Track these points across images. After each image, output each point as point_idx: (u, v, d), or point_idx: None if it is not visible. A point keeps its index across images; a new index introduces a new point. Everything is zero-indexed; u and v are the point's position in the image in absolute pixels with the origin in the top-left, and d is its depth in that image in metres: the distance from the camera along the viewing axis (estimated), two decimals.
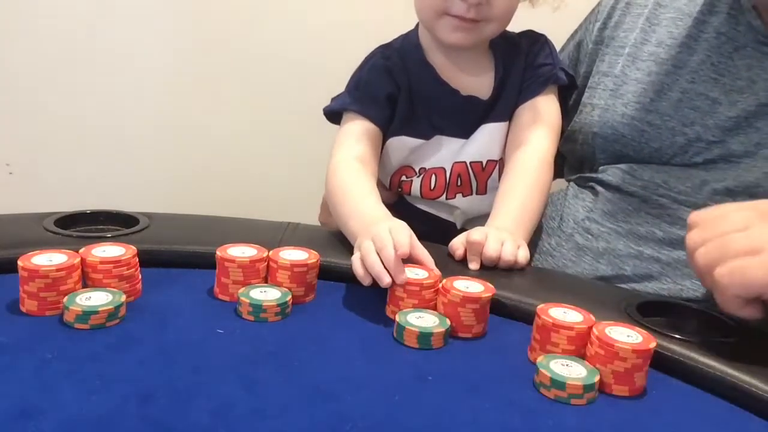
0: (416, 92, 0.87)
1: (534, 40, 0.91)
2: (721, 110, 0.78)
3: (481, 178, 0.89)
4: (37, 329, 0.53)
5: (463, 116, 0.88)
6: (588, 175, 0.89)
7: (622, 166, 0.84)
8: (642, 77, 0.85)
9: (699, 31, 0.82)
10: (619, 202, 0.83)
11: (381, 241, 0.63)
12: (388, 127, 0.87)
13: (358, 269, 0.63)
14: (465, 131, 0.88)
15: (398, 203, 0.92)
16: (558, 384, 0.50)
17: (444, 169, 0.88)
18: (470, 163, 0.88)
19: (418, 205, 0.92)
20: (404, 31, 0.91)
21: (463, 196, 0.89)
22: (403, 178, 0.90)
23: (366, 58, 0.90)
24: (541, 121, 0.87)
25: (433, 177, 0.88)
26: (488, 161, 0.88)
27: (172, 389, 0.47)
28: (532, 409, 0.49)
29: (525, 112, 0.88)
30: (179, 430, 0.43)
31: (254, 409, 0.45)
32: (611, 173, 0.85)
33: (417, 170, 0.89)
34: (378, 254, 0.62)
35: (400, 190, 0.91)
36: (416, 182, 0.89)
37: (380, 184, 0.91)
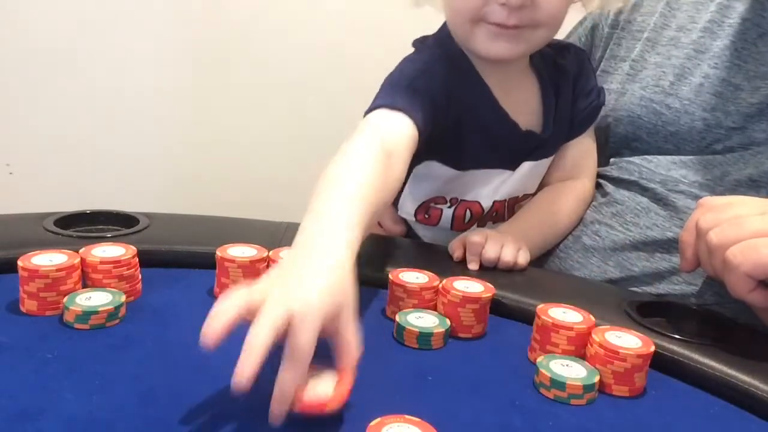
0: (469, 119, 0.76)
1: (577, 57, 0.85)
2: (743, 96, 0.76)
3: (512, 207, 0.85)
4: (37, 329, 0.53)
5: (514, 151, 0.80)
6: (597, 170, 0.88)
7: (636, 159, 0.82)
8: (662, 61, 0.83)
9: (723, 16, 0.80)
10: (628, 202, 0.81)
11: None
12: (425, 139, 0.68)
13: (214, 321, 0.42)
14: (508, 164, 0.81)
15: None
16: (558, 384, 0.50)
17: (480, 204, 0.82)
18: (508, 199, 0.83)
19: (431, 236, 0.86)
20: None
21: (493, 223, 0.85)
22: (432, 205, 0.83)
23: (419, 57, 0.77)
24: (586, 158, 0.85)
25: (468, 211, 0.82)
26: (524, 195, 0.84)
27: (172, 389, 0.47)
28: (532, 409, 0.49)
29: (571, 148, 0.85)
30: (179, 430, 0.43)
31: (254, 409, 0.45)
32: (627, 168, 0.83)
33: (449, 199, 0.82)
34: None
35: (427, 217, 0.84)
36: (447, 212, 0.82)
37: (399, 218, 0.86)
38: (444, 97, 0.72)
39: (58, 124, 1.46)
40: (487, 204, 0.82)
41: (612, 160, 0.87)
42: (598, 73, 0.91)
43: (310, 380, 0.43)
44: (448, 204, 0.82)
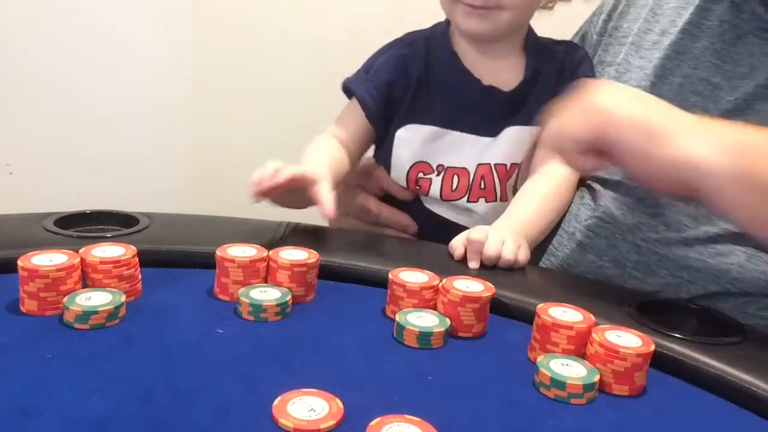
0: (435, 80, 0.87)
1: (574, 49, 0.91)
2: (722, 95, 0.78)
3: (503, 180, 0.88)
4: (37, 329, 0.53)
5: (484, 110, 0.87)
6: None
7: None
8: (644, 64, 0.85)
9: (702, 19, 0.81)
10: (623, 198, 0.82)
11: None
12: (380, 121, 0.87)
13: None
14: (489, 130, 0.87)
15: (414, 206, 0.90)
16: (558, 384, 0.50)
17: (467, 170, 0.87)
18: (495, 165, 0.87)
19: (435, 209, 0.90)
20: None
21: (487, 201, 0.88)
22: (420, 175, 0.88)
23: (389, 43, 0.90)
24: None
25: (455, 177, 0.87)
26: (512, 164, 0.88)
27: (172, 389, 0.47)
28: (532, 409, 0.49)
29: None
30: (179, 430, 0.43)
31: (254, 409, 0.45)
32: (611, 168, 0.83)
33: (435, 167, 0.87)
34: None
35: (418, 188, 0.89)
36: (436, 181, 0.88)
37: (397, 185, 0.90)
38: (400, 77, 0.86)
39: (58, 124, 1.46)
40: (471, 168, 0.87)
41: None
42: None
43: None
44: (436, 172, 0.88)
